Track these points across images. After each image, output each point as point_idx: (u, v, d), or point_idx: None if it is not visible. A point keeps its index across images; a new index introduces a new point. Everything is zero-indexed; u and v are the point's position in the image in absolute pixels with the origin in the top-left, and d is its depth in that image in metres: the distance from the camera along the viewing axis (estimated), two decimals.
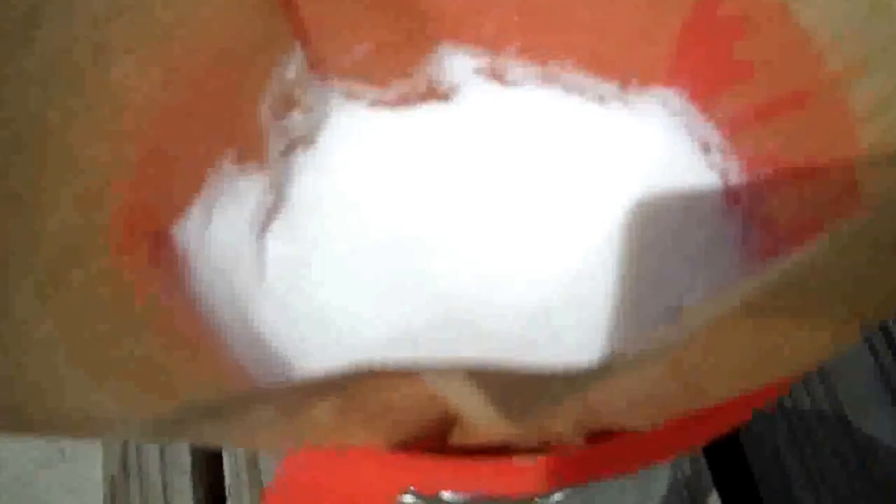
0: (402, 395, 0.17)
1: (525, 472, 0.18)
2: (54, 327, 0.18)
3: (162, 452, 0.40)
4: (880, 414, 0.37)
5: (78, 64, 0.21)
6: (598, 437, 0.18)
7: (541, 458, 0.18)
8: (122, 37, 0.22)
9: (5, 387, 0.16)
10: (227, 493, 0.39)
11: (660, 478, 0.30)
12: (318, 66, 0.27)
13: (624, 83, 0.28)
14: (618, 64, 0.28)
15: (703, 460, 0.37)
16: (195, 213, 0.24)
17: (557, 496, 0.27)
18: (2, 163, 0.19)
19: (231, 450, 0.40)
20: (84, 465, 0.68)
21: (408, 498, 0.24)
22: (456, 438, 0.19)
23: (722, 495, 0.36)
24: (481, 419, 0.18)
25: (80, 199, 0.20)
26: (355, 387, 0.16)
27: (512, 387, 0.16)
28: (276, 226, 0.27)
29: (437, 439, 0.19)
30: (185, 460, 0.40)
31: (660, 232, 0.27)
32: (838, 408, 0.38)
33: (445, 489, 0.21)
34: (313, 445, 0.17)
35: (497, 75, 0.29)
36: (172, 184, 0.23)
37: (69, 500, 0.67)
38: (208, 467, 0.40)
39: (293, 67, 0.27)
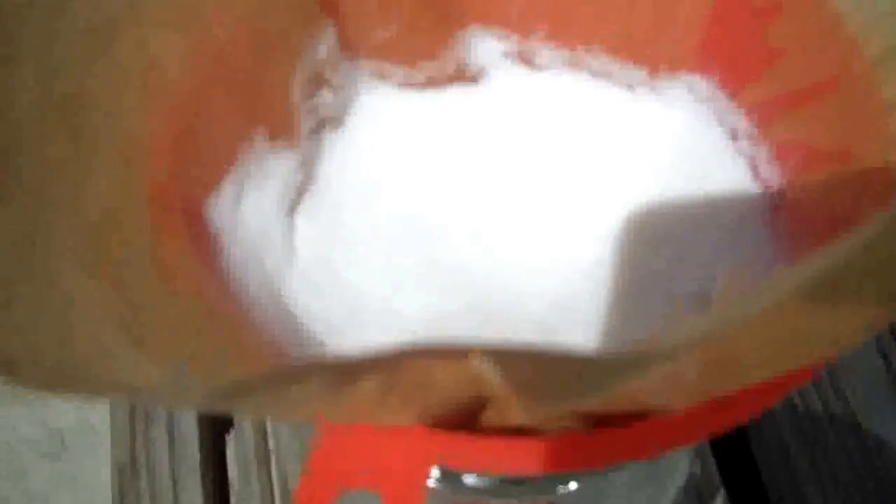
0: (440, 375, 0.17)
1: (546, 451, 0.18)
2: (98, 293, 0.18)
3: (171, 445, 0.40)
4: (889, 415, 0.37)
5: (115, 33, 0.21)
6: (621, 418, 0.18)
7: (561, 438, 0.18)
8: (155, 9, 0.22)
9: (53, 349, 0.16)
10: (230, 489, 0.39)
11: (676, 473, 0.30)
12: (348, 46, 0.27)
13: (652, 69, 0.28)
14: (646, 50, 0.28)
15: (711, 459, 0.37)
16: (227, 190, 0.24)
17: (573, 485, 0.27)
18: (47, 129, 0.19)
19: (239, 444, 0.40)
20: (85, 457, 0.68)
21: (433, 482, 0.24)
22: (487, 420, 0.19)
23: (730, 494, 0.36)
24: (508, 402, 0.18)
25: (118, 169, 0.21)
26: (397, 366, 0.16)
27: (538, 374, 0.16)
28: (305, 205, 0.27)
29: (469, 420, 0.19)
30: (194, 453, 0.40)
31: (686, 218, 0.27)
32: (847, 408, 0.38)
33: (473, 467, 0.21)
34: (352, 420, 0.17)
35: (525, 59, 0.29)
36: (206, 159, 0.23)
37: (68, 493, 0.67)
38: (217, 461, 0.40)
39: (324, 46, 0.27)
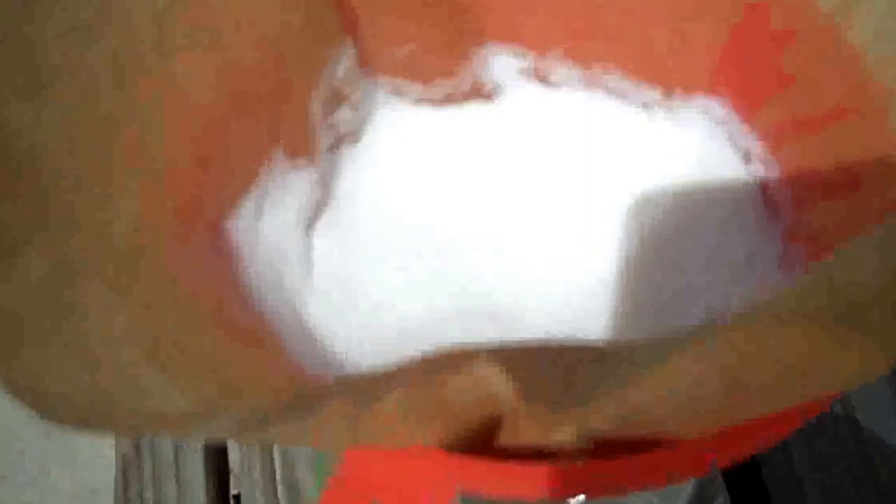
0: (456, 391, 0.17)
1: (559, 477, 0.19)
2: (128, 322, 0.18)
3: None
4: (891, 417, 0.38)
5: (143, 59, 0.21)
6: (635, 446, 0.18)
7: (575, 464, 0.18)
8: (182, 32, 0.22)
9: (85, 384, 0.16)
10: (230, 474, 0.40)
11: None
12: (366, 64, 0.28)
13: (667, 90, 0.28)
14: (661, 71, 0.28)
15: None
16: (248, 207, 0.24)
17: (582, 497, 0.27)
18: (78, 158, 0.19)
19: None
20: (82, 438, 0.68)
21: None
22: (501, 440, 0.19)
23: (731, 493, 0.36)
24: (520, 417, 0.18)
25: (145, 193, 0.21)
26: (414, 381, 0.16)
27: (547, 375, 0.16)
28: (323, 220, 0.28)
29: (484, 441, 0.19)
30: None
31: (699, 240, 0.27)
32: (850, 410, 0.38)
33: (488, 489, 0.21)
34: (373, 443, 0.18)
35: (541, 77, 0.29)
36: (228, 177, 0.23)
37: (67, 471, 0.67)
38: (220, 446, 0.41)
39: (344, 64, 0.27)
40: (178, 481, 0.39)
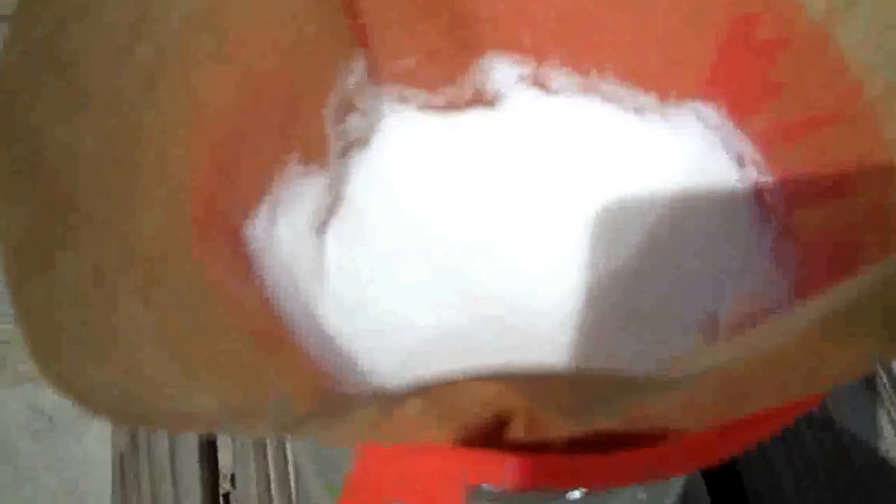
0: (472, 394, 0.18)
1: (565, 471, 0.19)
2: (151, 323, 0.19)
3: None
4: (862, 413, 0.39)
5: (168, 72, 0.22)
6: (635, 439, 0.19)
7: (580, 458, 0.19)
8: (205, 42, 0.23)
9: (119, 381, 0.17)
10: (220, 476, 0.40)
11: None
12: (374, 72, 0.28)
13: (661, 95, 0.29)
14: (656, 77, 0.29)
15: None
16: (263, 213, 0.25)
17: (578, 493, 0.28)
18: (106, 171, 0.20)
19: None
20: (73, 438, 0.67)
21: None
22: (510, 435, 0.20)
23: (709, 487, 0.37)
24: (532, 418, 0.19)
25: (168, 200, 0.21)
26: (437, 390, 0.17)
27: (560, 394, 0.17)
28: (334, 226, 0.28)
29: (494, 436, 0.20)
30: (194, 438, 0.40)
31: (693, 242, 0.28)
32: (823, 405, 0.39)
33: (498, 482, 0.22)
34: (393, 440, 0.18)
35: (540, 84, 0.30)
36: (244, 184, 0.24)
37: (56, 473, 0.67)
38: (215, 446, 0.41)
39: (355, 74, 0.27)
40: (174, 480, 0.39)
